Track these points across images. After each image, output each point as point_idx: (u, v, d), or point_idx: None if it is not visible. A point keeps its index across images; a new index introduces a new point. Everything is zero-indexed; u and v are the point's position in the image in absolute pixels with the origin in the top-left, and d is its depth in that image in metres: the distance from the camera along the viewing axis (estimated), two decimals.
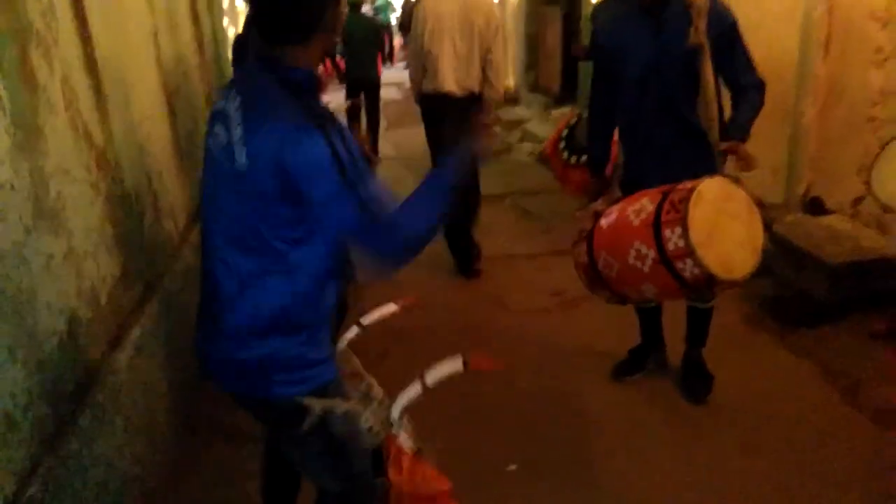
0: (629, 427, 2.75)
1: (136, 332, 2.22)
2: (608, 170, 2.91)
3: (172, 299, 2.61)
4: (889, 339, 3.13)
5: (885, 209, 2.83)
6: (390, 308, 2.13)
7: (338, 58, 7.19)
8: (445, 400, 2.18)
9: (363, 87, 7.01)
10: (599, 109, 2.75)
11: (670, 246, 2.00)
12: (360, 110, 7.53)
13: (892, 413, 2.70)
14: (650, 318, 2.99)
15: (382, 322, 3.47)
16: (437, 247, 4.65)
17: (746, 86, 2.44)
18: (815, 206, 3.96)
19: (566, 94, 7.44)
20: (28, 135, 1.68)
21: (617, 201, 2.44)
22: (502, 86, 4.39)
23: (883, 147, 2.88)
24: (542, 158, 4.81)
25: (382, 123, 9.28)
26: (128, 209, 2.35)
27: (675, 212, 2.02)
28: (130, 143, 2.44)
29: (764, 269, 2.26)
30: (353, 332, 2.00)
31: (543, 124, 7.21)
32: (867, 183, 2.92)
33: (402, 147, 7.96)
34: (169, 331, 2.51)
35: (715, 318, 2.89)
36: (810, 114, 3.82)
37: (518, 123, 7.54)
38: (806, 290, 3.48)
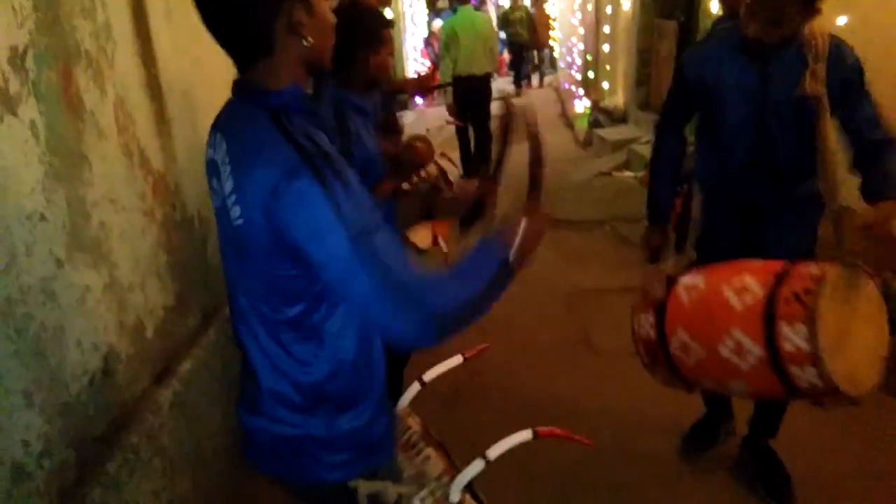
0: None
1: (186, 366, 2.12)
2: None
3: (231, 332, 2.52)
4: None
5: None
6: (456, 360, 1.93)
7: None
8: (523, 461, 1.95)
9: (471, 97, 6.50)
10: (669, 152, 2.38)
11: (787, 346, 1.66)
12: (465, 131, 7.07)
13: None
14: None
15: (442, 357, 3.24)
16: (526, 276, 4.39)
17: (879, 142, 1.97)
18: None
19: None
20: (68, 162, 1.61)
21: (694, 267, 2.10)
22: None
23: None
24: (644, 185, 4.46)
25: None
26: (188, 235, 2.27)
27: (799, 304, 1.66)
28: (196, 167, 2.37)
29: None
30: (413, 390, 1.81)
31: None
32: None
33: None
34: (226, 362, 2.41)
35: None
36: None
37: (625, 143, 7.15)
38: None
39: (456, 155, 6.94)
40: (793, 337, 1.65)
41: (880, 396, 2.66)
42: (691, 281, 1.98)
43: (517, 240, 1.22)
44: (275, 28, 1.11)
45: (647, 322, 2.04)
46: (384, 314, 1.10)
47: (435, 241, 2.74)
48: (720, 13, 4.63)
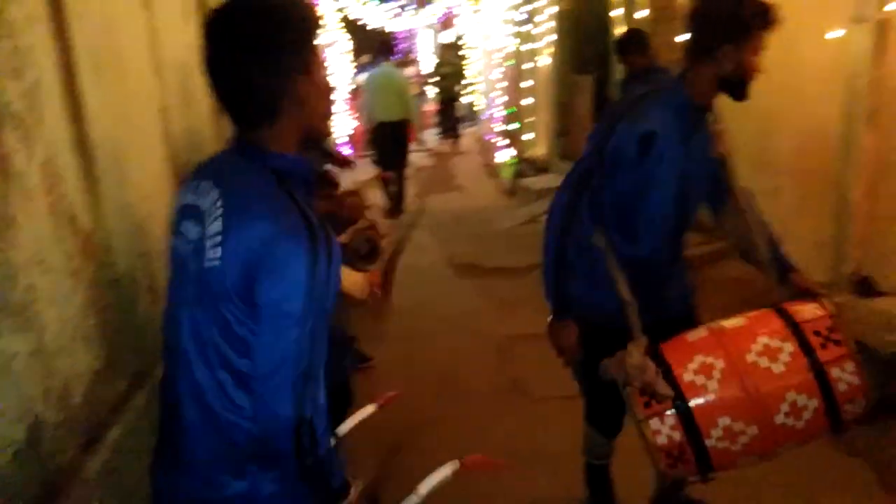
0: None
1: (115, 433, 2.04)
2: None
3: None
4: None
5: None
6: (368, 410, 1.97)
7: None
8: None
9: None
10: (584, 232, 2.01)
11: (841, 387, 1.72)
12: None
13: None
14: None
15: (393, 414, 3.25)
16: (457, 325, 4.46)
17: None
18: (865, 288, 3.67)
19: None
20: None
21: (660, 349, 1.89)
22: None
23: None
24: None
25: (411, 190, 9.27)
26: (117, 296, 2.20)
27: (835, 345, 1.73)
28: (126, 225, 2.32)
29: None
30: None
31: None
32: None
33: (428, 214, 7.87)
34: (156, 426, 2.32)
35: None
36: (857, 189, 3.57)
37: (548, 192, 7.37)
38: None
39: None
40: (845, 377, 1.72)
41: None
42: (698, 364, 1.82)
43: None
44: (282, 99, 1.18)
45: (665, 426, 1.81)
46: (278, 390, 1.15)
47: (371, 291, 2.77)
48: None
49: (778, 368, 1.76)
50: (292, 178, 1.21)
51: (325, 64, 1.27)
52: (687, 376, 1.81)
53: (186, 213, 1.25)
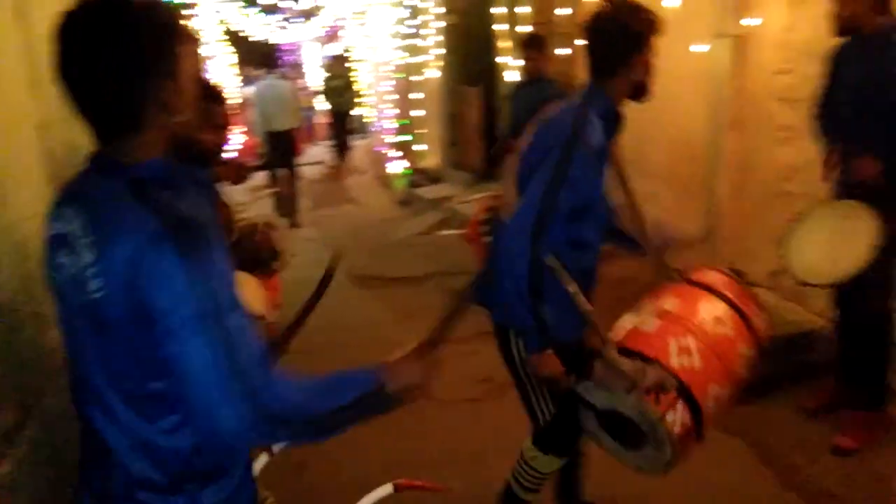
0: None
1: (5, 468, 1.92)
2: None
3: (57, 421, 2.31)
4: (820, 415, 3.10)
5: (801, 283, 2.84)
6: None
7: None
8: None
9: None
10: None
11: (763, 333, 2.12)
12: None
13: (831, 497, 2.64)
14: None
15: None
16: (359, 337, 4.47)
17: None
18: None
19: (488, 172, 7.49)
20: None
21: (635, 348, 1.97)
22: None
23: (791, 222, 2.91)
24: (466, 241, 4.73)
25: (305, 204, 9.17)
26: None
27: (749, 299, 2.14)
28: (5, 249, 2.19)
29: None
30: (261, 461, 1.79)
31: (471, 204, 7.21)
32: (780, 256, 2.92)
33: (324, 228, 7.81)
34: (51, 456, 2.20)
35: None
36: (724, 189, 3.90)
37: (442, 201, 7.53)
38: None
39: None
40: (762, 322, 2.13)
41: None
42: (676, 348, 1.94)
43: (400, 380, 1.29)
44: (145, 105, 1.12)
45: (678, 415, 1.88)
46: (212, 398, 1.08)
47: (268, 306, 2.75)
48: (518, 80, 5.13)
49: (729, 331, 1.98)
50: (155, 184, 1.14)
51: (197, 71, 1.23)
52: (674, 362, 1.91)
53: (57, 243, 1.17)
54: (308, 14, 12.39)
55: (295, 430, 1.18)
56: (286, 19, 12.68)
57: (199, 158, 2.05)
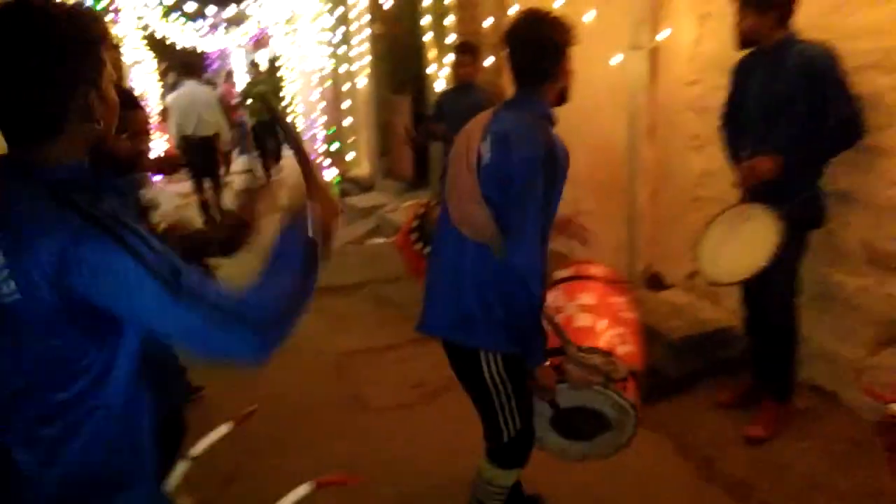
0: None
1: None
2: None
3: None
4: (734, 408, 3.27)
5: (710, 283, 3.00)
6: (223, 430, 1.96)
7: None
8: None
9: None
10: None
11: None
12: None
13: (743, 485, 2.79)
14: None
15: (227, 440, 3.14)
16: (292, 345, 4.44)
17: None
18: (655, 282, 4.17)
19: (419, 180, 7.56)
20: None
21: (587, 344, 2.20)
22: None
23: (706, 226, 3.07)
24: (396, 249, 4.78)
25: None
26: None
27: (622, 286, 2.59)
28: None
29: None
30: (181, 467, 1.78)
31: (398, 210, 7.25)
32: (693, 258, 3.08)
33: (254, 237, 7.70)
34: None
35: None
36: (643, 195, 4.06)
37: (373, 210, 7.54)
38: (653, 365, 3.60)
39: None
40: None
41: None
42: (614, 337, 2.28)
43: (313, 220, 1.28)
44: (66, 112, 1.12)
45: (632, 395, 2.23)
46: (221, 343, 1.14)
47: None
48: (446, 86, 5.22)
49: (633, 314, 2.44)
50: (75, 186, 1.13)
51: (118, 78, 1.24)
52: (620, 351, 2.24)
53: None
54: (235, 21, 12.21)
55: (288, 316, 1.22)
56: (213, 26, 12.46)
57: (116, 165, 2.04)
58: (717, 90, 3.57)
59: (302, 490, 1.68)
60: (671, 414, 3.32)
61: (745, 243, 2.86)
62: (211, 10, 11.81)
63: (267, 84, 11.02)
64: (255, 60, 12.52)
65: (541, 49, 2.10)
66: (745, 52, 2.96)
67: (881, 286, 2.96)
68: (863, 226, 2.97)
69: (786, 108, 2.80)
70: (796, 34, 2.80)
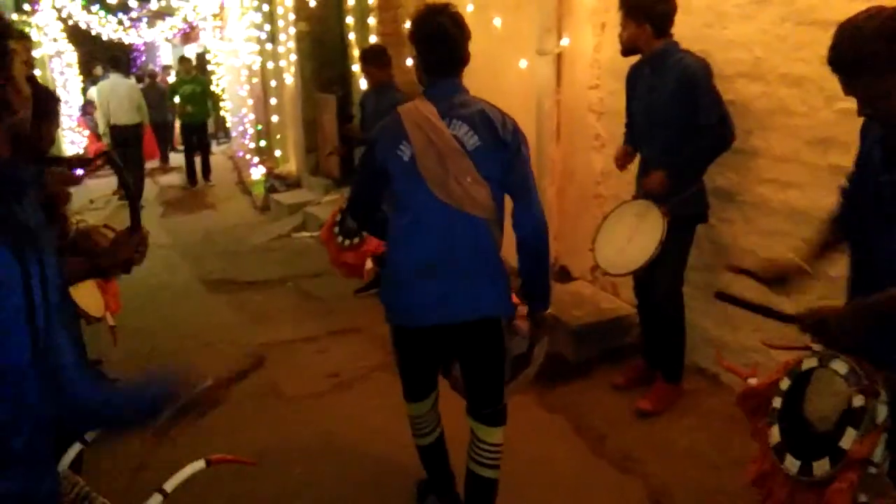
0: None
1: None
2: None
3: None
4: (628, 390, 3.52)
5: (603, 273, 3.23)
6: (198, 465, 2.02)
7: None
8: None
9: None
10: None
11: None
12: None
13: (632, 460, 3.02)
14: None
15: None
16: (211, 339, 4.49)
17: None
18: (563, 275, 4.40)
19: (346, 177, 7.64)
20: None
21: None
22: None
23: (602, 220, 3.31)
24: (321, 243, 4.90)
25: (157, 210, 8.91)
26: None
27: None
28: None
29: None
30: (74, 449, 1.85)
31: (325, 207, 7.32)
32: (591, 250, 3.31)
33: (178, 234, 7.64)
34: None
35: None
36: (550, 193, 4.29)
37: (300, 206, 7.59)
38: (558, 351, 3.83)
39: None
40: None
41: None
42: None
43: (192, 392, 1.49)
44: None
45: None
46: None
47: (107, 309, 2.78)
48: (366, 89, 5.34)
49: None
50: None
51: (31, 70, 1.28)
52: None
53: None
54: (161, 14, 11.99)
55: (100, 421, 1.36)
56: (138, 18, 12.20)
57: (33, 157, 2.08)
58: (614, 94, 3.82)
59: (195, 466, 1.78)
60: (570, 397, 3.54)
61: (635, 237, 3.10)
62: (135, 2, 11.55)
63: (195, 83, 10.51)
64: (187, 56, 12.27)
65: (461, 37, 2.28)
66: (634, 59, 3.20)
67: None
68: (738, 220, 3.25)
69: (665, 114, 3.04)
70: (677, 44, 3.04)
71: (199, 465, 1.79)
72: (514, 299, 2.43)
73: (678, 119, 3.00)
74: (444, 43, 2.27)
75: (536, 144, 4.28)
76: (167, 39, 15.15)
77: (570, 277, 4.35)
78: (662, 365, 3.42)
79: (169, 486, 1.74)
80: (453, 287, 2.26)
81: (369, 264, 4.64)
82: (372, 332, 4.45)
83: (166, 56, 18.14)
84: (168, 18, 12.08)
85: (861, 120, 1.84)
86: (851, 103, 1.73)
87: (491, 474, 2.44)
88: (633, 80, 3.27)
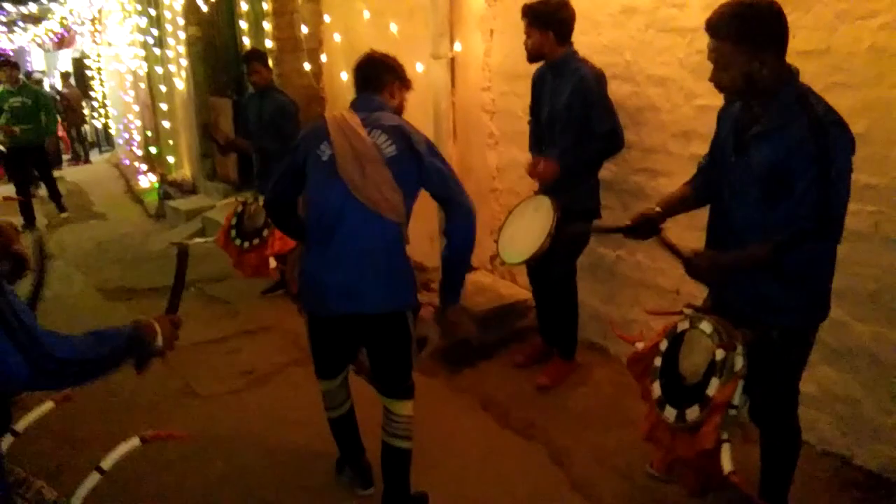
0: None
1: None
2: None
3: None
4: (528, 368, 3.81)
5: (500, 263, 3.49)
6: (47, 406, 2.08)
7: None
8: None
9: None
10: None
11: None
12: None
13: (534, 428, 3.30)
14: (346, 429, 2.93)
15: (55, 431, 3.23)
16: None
17: None
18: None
19: (244, 181, 7.61)
20: None
21: None
22: None
23: (507, 214, 3.56)
24: (218, 246, 4.93)
25: (41, 220, 8.50)
26: None
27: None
28: None
29: None
30: (7, 441, 1.91)
31: (224, 211, 7.27)
32: (496, 242, 3.56)
33: (66, 245, 7.36)
34: None
35: None
36: None
37: (198, 212, 7.50)
38: (463, 336, 4.08)
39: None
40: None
41: None
42: None
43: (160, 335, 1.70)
44: None
45: None
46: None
47: None
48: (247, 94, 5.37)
49: None
50: None
51: None
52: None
53: None
54: (37, 18, 11.39)
55: (72, 375, 1.46)
56: (13, 22, 11.54)
57: None
58: (504, 95, 4.13)
59: (130, 444, 1.86)
60: (476, 377, 3.80)
61: (531, 229, 3.34)
62: (7, 4, 10.93)
63: (24, 95, 8.11)
64: (63, 62, 11.68)
65: (376, 66, 2.69)
66: (539, 64, 3.41)
67: (632, 255, 3.62)
68: (617, 206, 3.61)
69: (563, 118, 3.29)
70: (576, 53, 3.29)
71: (135, 442, 1.88)
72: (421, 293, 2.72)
73: (574, 124, 3.24)
74: (368, 66, 2.66)
75: (435, 143, 4.52)
76: (39, 45, 14.35)
77: (471, 267, 4.61)
78: (558, 343, 3.73)
79: (106, 464, 1.82)
80: (364, 282, 2.46)
81: (273, 263, 4.73)
82: (282, 330, 4.55)
83: (38, 62, 17.18)
84: (44, 22, 11.49)
85: (714, 114, 2.21)
86: (708, 100, 2.07)
87: (404, 444, 2.65)
88: (539, 84, 3.47)
